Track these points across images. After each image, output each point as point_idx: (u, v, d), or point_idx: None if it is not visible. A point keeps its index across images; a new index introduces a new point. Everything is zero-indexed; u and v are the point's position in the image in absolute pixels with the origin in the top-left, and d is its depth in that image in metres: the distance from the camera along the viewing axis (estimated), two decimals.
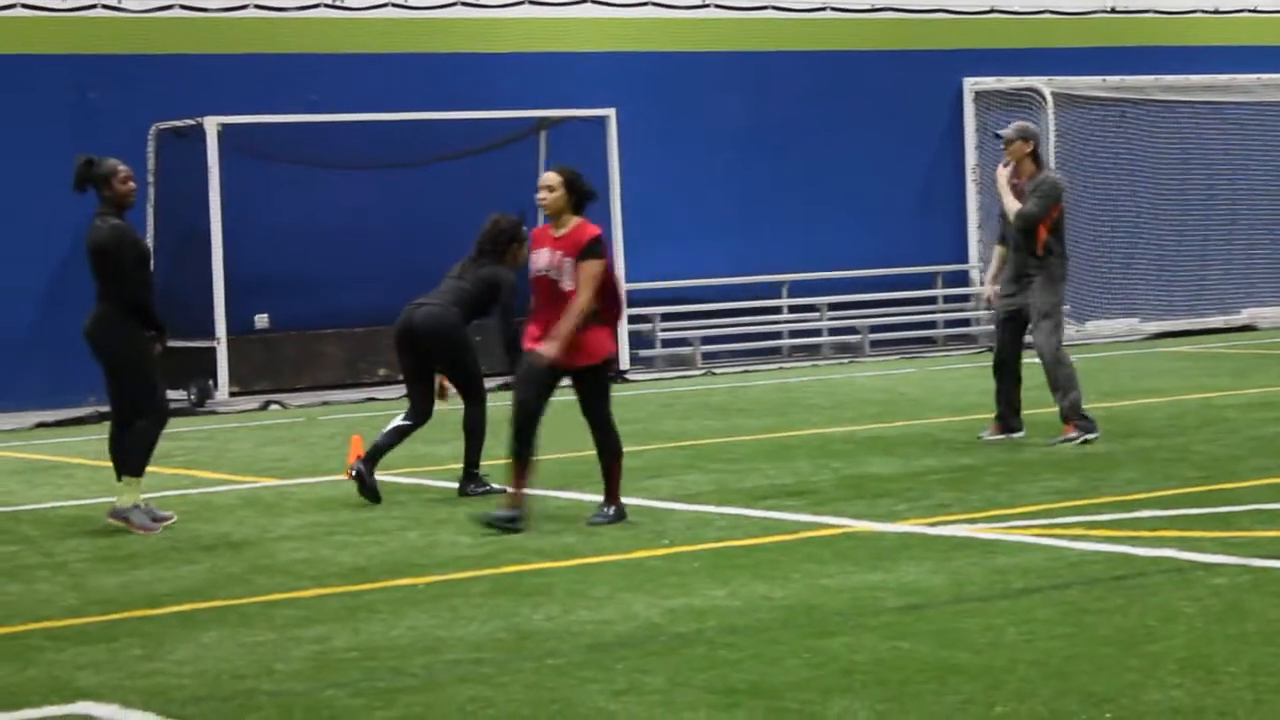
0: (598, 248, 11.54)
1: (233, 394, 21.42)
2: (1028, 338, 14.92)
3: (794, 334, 25.48)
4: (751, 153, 25.43)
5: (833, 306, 25.62)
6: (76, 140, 19.71)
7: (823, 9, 26.03)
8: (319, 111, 22.50)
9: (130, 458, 12.19)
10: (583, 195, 11.70)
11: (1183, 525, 10.88)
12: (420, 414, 13.24)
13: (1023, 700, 7.10)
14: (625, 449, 11.81)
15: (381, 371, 22.02)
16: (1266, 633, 8.06)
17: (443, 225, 21.22)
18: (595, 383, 11.63)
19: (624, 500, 11.85)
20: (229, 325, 21.37)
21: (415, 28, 23.62)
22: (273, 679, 7.95)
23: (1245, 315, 27.89)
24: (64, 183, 12.65)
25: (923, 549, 10.43)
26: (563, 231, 11.62)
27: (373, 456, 13.00)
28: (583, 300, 11.46)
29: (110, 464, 12.47)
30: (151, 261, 12.62)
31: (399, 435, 13.14)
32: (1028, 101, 26.44)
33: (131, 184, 12.32)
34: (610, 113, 23.34)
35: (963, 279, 26.86)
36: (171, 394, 13.32)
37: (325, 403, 21.06)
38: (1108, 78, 27.39)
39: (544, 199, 11.66)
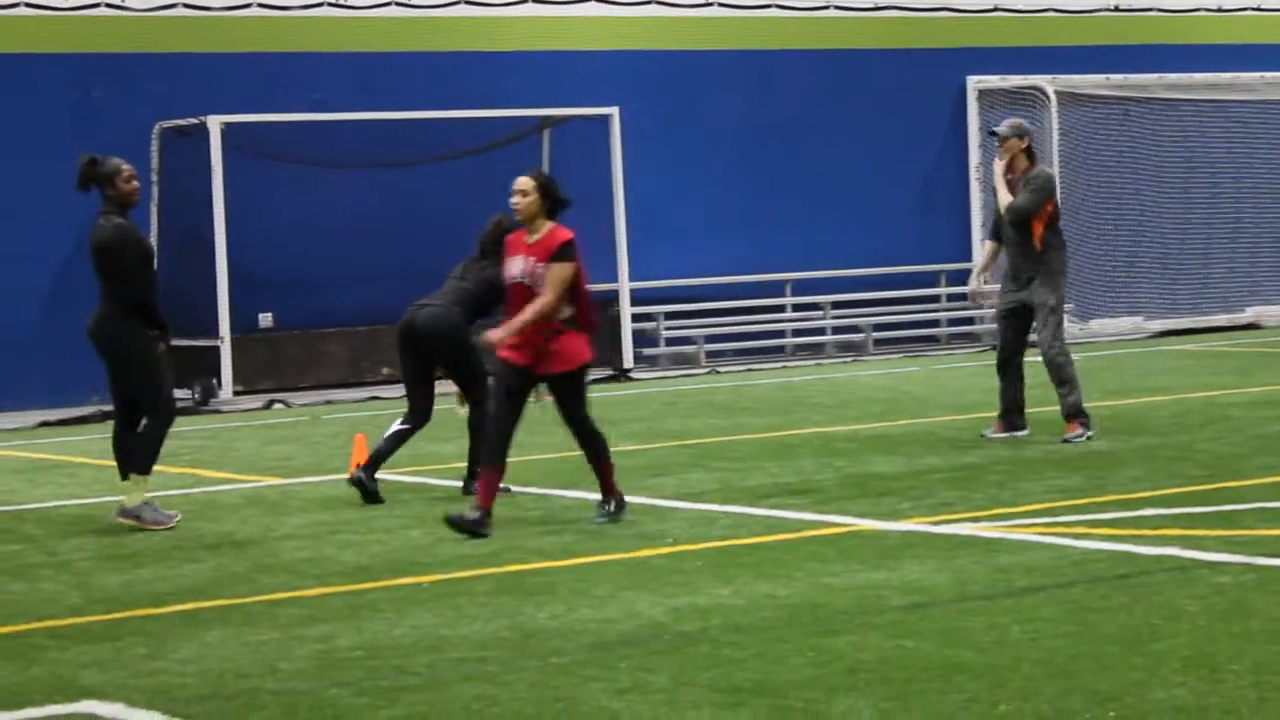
0: (569, 251, 11.51)
1: (236, 393, 21.40)
2: (1031, 336, 14.92)
3: (798, 333, 25.46)
4: (755, 151, 25.42)
5: (836, 305, 25.60)
6: (79, 139, 19.65)
7: (826, 8, 26.01)
8: (323, 110, 22.48)
9: (137, 456, 12.18)
10: (556, 201, 11.66)
11: (1186, 524, 10.87)
12: (420, 415, 13.22)
13: (1027, 699, 7.10)
14: (629, 447, 11.83)
15: (385, 370, 22.00)
16: (1270, 631, 8.06)
17: (446, 225, 21.20)
18: (570, 388, 11.62)
19: (628, 499, 11.85)
20: (233, 324, 21.35)
21: (418, 27, 23.61)
22: (276, 678, 7.94)
23: (1249, 313, 27.84)
24: (67, 182, 12.63)
25: (926, 547, 10.42)
26: (536, 237, 11.60)
27: (373, 463, 13.00)
28: (547, 299, 11.42)
29: (114, 463, 12.48)
30: (155, 260, 12.62)
31: (399, 440, 13.12)
32: (1031, 100, 26.40)
33: (135, 183, 12.31)
34: (614, 111, 23.31)
35: (966, 278, 26.74)
36: (176, 393, 13.30)
37: (329, 402, 21.06)
38: (1111, 76, 27.36)
39: (517, 203, 11.64)
